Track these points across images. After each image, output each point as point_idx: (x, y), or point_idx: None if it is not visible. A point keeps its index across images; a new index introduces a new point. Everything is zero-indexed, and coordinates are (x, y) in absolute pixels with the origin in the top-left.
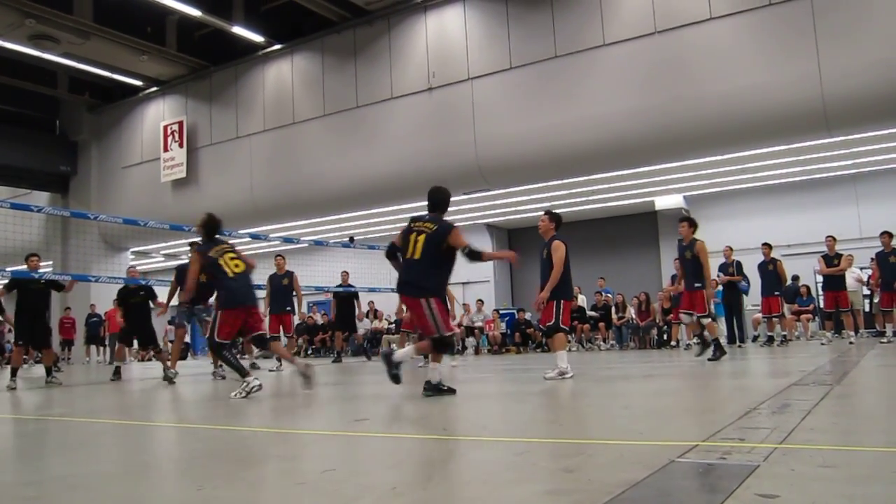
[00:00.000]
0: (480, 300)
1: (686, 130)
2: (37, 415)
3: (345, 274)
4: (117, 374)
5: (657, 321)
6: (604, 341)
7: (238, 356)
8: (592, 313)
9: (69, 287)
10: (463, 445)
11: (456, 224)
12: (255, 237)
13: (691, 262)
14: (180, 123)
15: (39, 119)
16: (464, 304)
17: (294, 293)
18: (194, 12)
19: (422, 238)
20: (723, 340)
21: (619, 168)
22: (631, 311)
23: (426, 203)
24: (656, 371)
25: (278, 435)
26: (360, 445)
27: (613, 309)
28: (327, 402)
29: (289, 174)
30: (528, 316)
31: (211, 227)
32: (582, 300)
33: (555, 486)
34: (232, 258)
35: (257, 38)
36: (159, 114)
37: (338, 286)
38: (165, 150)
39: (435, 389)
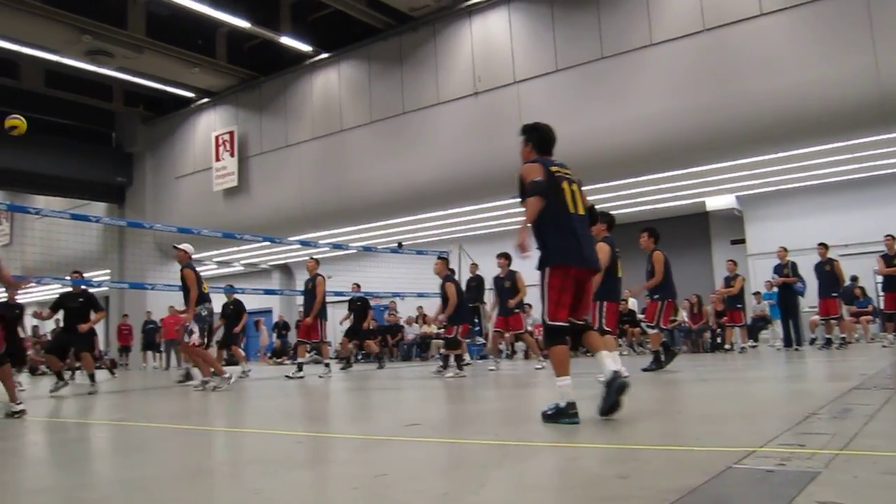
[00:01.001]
0: (529, 304)
1: (737, 129)
2: (95, 419)
3: (355, 286)
4: (187, 377)
5: (710, 324)
6: None
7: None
8: (642, 317)
9: (96, 318)
10: (515, 451)
11: (501, 229)
12: (304, 244)
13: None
14: (231, 133)
15: (96, 132)
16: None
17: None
18: (243, 24)
19: (576, 189)
20: (779, 344)
21: (668, 169)
22: (683, 314)
23: (541, 142)
24: (710, 375)
25: (331, 439)
26: (411, 450)
27: None
28: (377, 407)
29: (337, 181)
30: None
31: None
32: (633, 303)
33: (608, 492)
34: None
35: (305, 47)
36: (211, 124)
37: (352, 294)
38: (217, 159)
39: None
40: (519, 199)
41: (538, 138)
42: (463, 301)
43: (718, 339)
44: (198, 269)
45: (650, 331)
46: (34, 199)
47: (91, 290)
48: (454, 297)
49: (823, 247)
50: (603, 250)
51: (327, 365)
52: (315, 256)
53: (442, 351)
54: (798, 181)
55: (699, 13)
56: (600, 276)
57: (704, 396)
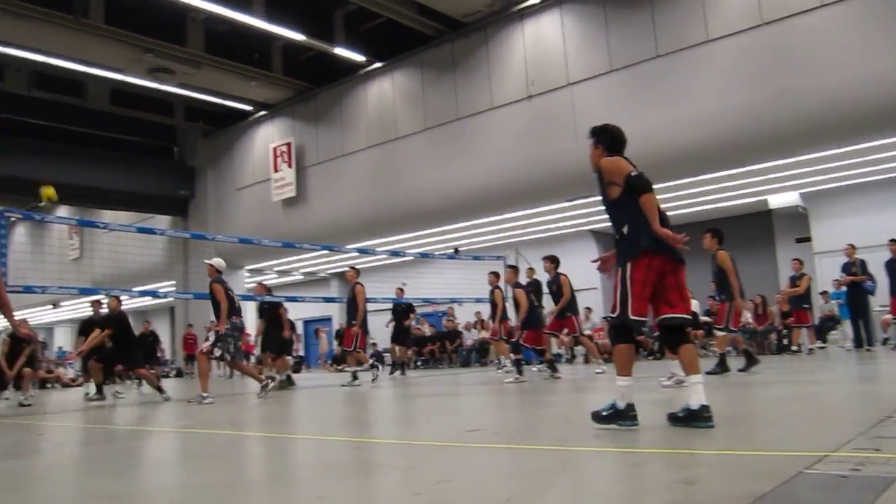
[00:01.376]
0: (588, 308)
1: (799, 124)
2: (162, 427)
3: (399, 291)
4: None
5: (776, 325)
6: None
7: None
8: (706, 318)
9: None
10: (577, 456)
11: (557, 232)
12: (362, 252)
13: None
14: (288, 144)
15: (159, 147)
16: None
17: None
18: (298, 37)
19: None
20: (849, 345)
21: (728, 167)
22: (747, 315)
23: (612, 143)
24: (777, 377)
25: (392, 445)
26: (473, 456)
27: None
28: (437, 412)
29: (393, 188)
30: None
31: None
32: (695, 305)
33: (675, 498)
34: None
35: (358, 57)
36: (269, 136)
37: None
38: (275, 170)
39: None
40: (600, 199)
41: (609, 139)
42: (533, 306)
43: (785, 341)
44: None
45: (718, 333)
46: (102, 214)
47: (157, 300)
48: (525, 303)
49: (894, 243)
50: (726, 258)
51: (355, 375)
52: (356, 266)
53: (512, 356)
54: (865, 176)
55: (756, 7)
56: (734, 281)
57: (771, 399)
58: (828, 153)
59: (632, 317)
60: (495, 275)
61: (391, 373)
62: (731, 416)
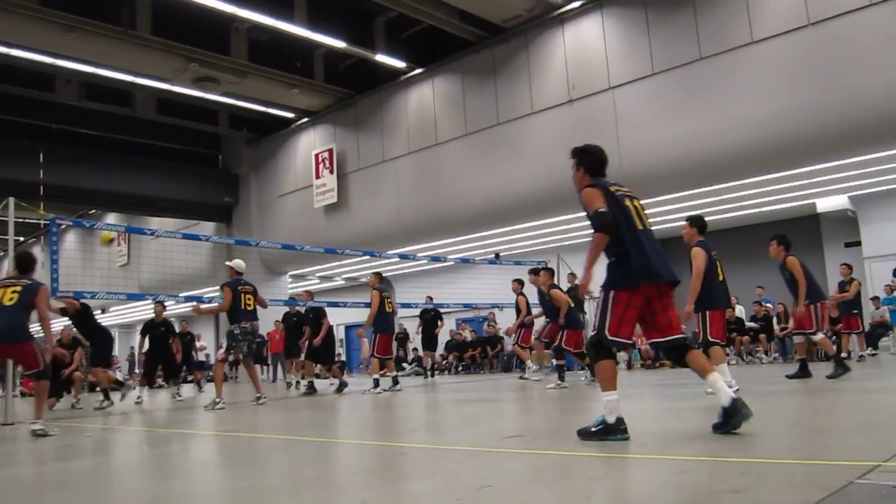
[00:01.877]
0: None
1: (848, 126)
2: (207, 431)
3: (429, 298)
4: (311, 388)
5: (824, 331)
6: (766, 354)
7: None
8: (752, 324)
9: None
10: (620, 463)
11: None
12: (403, 257)
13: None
14: (330, 151)
15: (204, 155)
16: None
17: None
18: (339, 45)
19: (638, 204)
20: None
21: (774, 170)
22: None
23: (594, 164)
24: (826, 385)
25: (433, 451)
26: (514, 462)
27: (775, 319)
28: (477, 418)
29: (433, 194)
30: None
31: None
32: (740, 311)
33: None
34: None
35: (399, 64)
36: (311, 143)
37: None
38: (317, 177)
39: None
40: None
41: (591, 160)
42: (572, 308)
43: (834, 347)
44: (245, 286)
45: (814, 337)
46: (148, 221)
47: (202, 305)
48: (565, 298)
49: None
50: (698, 256)
51: (377, 382)
52: (378, 271)
53: (554, 362)
54: None
55: (803, 7)
56: (698, 281)
57: (821, 407)
58: (877, 155)
59: (609, 336)
60: (519, 282)
61: (425, 378)
62: (780, 425)
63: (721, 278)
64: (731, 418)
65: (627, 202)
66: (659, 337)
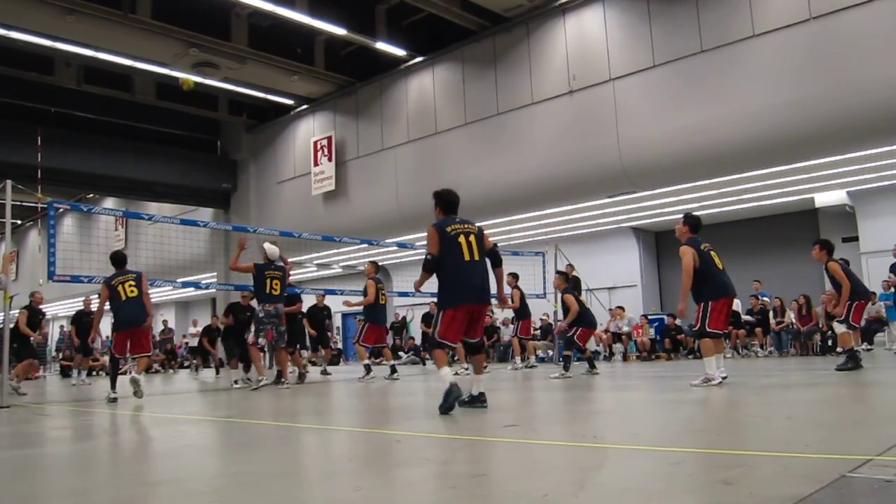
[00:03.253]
0: (621, 307)
1: (848, 121)
2: (204, 417)
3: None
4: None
5: (820, 326)
6: (761, 347)
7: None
8: (748, 318)
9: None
10: (614, 454)
11: (598, 229)
12: (401, 246)
13: None
14: (329, 138)
15: (203, 141)
16: (610, 310)
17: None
18: (340, 31)
19: (473, 239)
20: None
21: (773, 164)
22: (791, 316)
23: (445, 205)
24: (821, 379)
25: (429, 439)
26: (510, 451)
27: (771, 313)
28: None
29: (433, 183)
30: (678, 321)
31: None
32: (737, 304)
33: (713, 498)
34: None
35: (400, 52)
36: (310, 130)
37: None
38: (316, 164)
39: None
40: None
41: (443, 202)
42: (584, 307)
43: (829, 342)
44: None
45: (839, 327)
46: (147, 206)
47: (199, 291)
48: (575, 306)
49: None
50: (686, 254)
51: (368, 368)
52: (375, 260)
53: (564, 353)
54: None
55: (805, 1)
56: (688, 279)
57: (816, 401)
58: (876, 150)
59: (438, 339)
60: (514, 276)
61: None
62: (775, 418)
63: (721, 267)
64: (472, 402)
65: (461, 238)
66: (469, 337)
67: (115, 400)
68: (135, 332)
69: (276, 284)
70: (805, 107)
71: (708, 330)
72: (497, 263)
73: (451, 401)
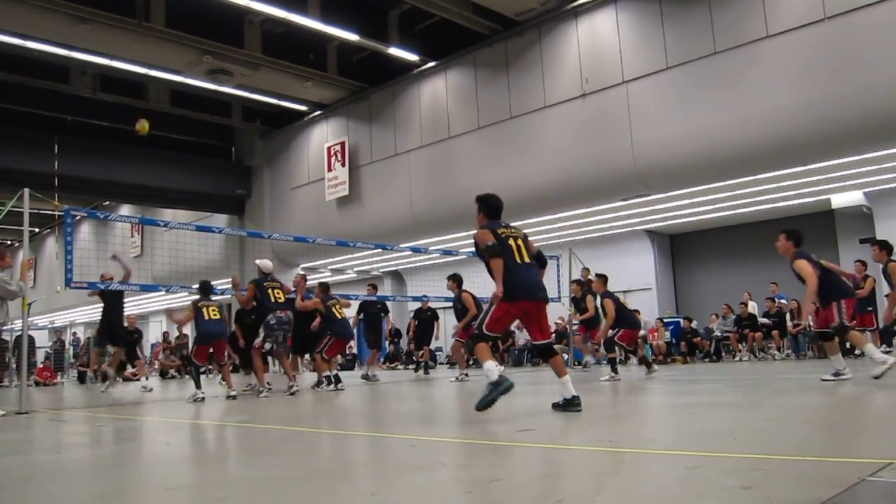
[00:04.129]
0: (636, 310)
1: (864, 121)
2: (221, 421)
3: (425, 302)
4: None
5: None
6: (778, 350)
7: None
8: (765, 321)
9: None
10: (631, 458)
11: (612, 232)
12: (415, 250)
13: None
14: (342, 144)
15: (217, 147)
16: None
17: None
18: (352, 37)
19: (521, 242)
20: None
21: (789, 166)
22: (809, 318)
23: (489, 210)
24: (839, 382)
25: (444, 444)
26: (526, 455)
27: (788, 316)
28: (490, 412)
29: (446, 187)
30: (694, 324)
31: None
32: (753, 307)
33: (731, 503)
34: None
35: (412, 57)
36: (323, 136)
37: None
38: (329, 170)
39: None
40: (478, 256)
41: (487, 206)
42: (626, 310)
43: (847, 345)
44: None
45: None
46: (162, 213)
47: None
48: (612, 312)
49: None
50: (804, 267)
51: (329, 379)
52: (323, 282)
53: (609, 356)
54: None
55: (819, 0)
56: (814, 286)
57: (834, 404)
58: (893, 151)
59: (486, 331)
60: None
61: (426, 372)
62: (793, 421)
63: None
64: (567, 406)
65: (511, 241)
66: (541, 339)
67: (202, 399)
68: (216, 344)
69: (279, 293)
70: (820, 107)
71: (846, 324)
72: (542, 265)
73: (495, 394)
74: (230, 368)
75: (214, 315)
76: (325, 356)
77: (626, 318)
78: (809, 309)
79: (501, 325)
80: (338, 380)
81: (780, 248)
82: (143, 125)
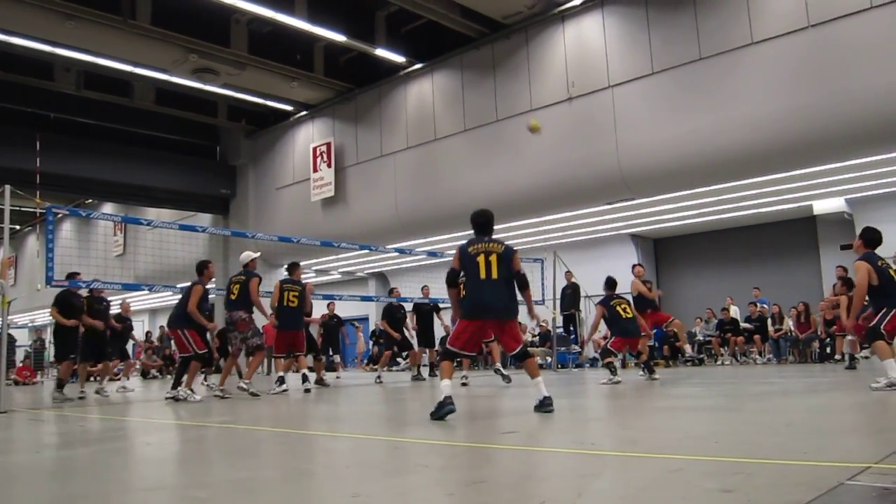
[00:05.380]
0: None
1: (846, 128)
2: (204, 422)
3: (426, 288)
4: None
5: (818, 333)
6: (760, 355)
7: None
8: (747, 325)
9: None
10: (613, 461)
11: (596, 236)
12: (400, 252)
13: None
14: (328, 144)
15: (202, 146)
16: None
17: None
18: (339, 38)
19: (494, 258)
20: None
21: (772, 171)
22: (789, 323)
23: (474, 227)
24: (820, 386)
25: (428, 445)
26: (509, 458)
27: (770, 320)
28: (475, 414)
29: (431, 189)
30: (704, 324)
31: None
32: (735, 311)
33: None
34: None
35: (399, 58)
36: (309, 136)
37: (420, 299)
38: (315, 170)
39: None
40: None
41: (472, 224)
42: (620, 317)
43: (828, 349)
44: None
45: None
46: (145, 212)
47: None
48: (595, 319)
49: None
50: (860, 269)
51: (281, 379)
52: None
53: (606, 361)
54: None
55: (803, 8)
56: (861, 297)
57: (814, 408)
58: (875, 158)
59: (448, 346)
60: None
61: (413, 378)
62: (775, 425)
63: None
64: (540, 407)
65: (480, 258)
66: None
67: (285, 391)
68: (296, 335)
69: (235, 289)
70: (803, 114)
71: (882, 330)
72: (522, 286)
73: (442, 413)
74: (213, 369)
75: (293, 303)
76: (274, 353)
77: (617, 325)
78: (854, 312)
79: (462, 342)
80: (304, 378)
81: (855, 246)
82: (536, 125)
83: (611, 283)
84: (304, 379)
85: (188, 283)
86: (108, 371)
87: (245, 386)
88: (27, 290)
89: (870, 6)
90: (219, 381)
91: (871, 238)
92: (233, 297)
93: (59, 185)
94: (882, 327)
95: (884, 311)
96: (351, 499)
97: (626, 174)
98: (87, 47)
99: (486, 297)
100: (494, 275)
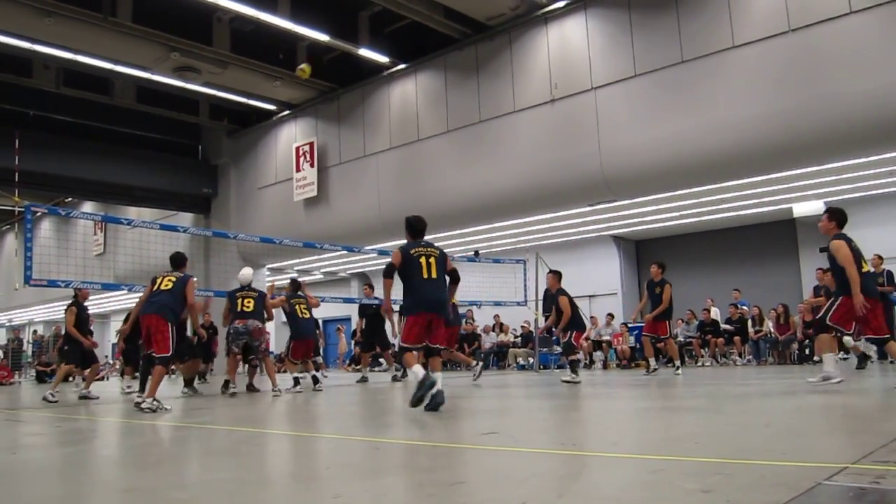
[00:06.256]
0: (610, 314)
1: (825, 132)
2: (183, 423)
3: (367, 289)
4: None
5: (797, 335)
6: (739, 356)
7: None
8: (727, 326)
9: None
10: (593, 461)
11: (578, 237)
12: (382, 253)
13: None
14: (311, 144)
15: (183, 145)
16: (591, 318)
17: None
18: (323, 37)
19: (433, 260)
20: (873, 356)
21: (752, 174)
22: (769, 325)
23: (412, 231)
24: (798, 388)
25: (409, 446)
26: (489, 458)
27: (750, 322)
28: (455, 415)
29: (414, 190)
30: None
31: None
32: (715, 313)
33: None
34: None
35: (382, 59)
36: (291, 136)
37: (364, 300)
38: (297, 170)
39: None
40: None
41: (410, 229)
42: (577, 311)
43: (807, 351)
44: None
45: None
46: (126, 211)
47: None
48: (568, 308)
49: None
50: (841, 248)
51: (296, 380)
52: (294, 278)
53: (562, 359)
54: (892, 185)
55: (784, 13)
56: (853, 269)
57: (792, 409)
58: (854, 162)
59: (402, 343)
60: (557, 274)
61: (359, 381)
62: (752, 426)
63: (865, 269)
64: (419, 388)
65: (422, 259)
66: (430, 343)
67: (300, 391)
68: (309, 343)
69: (249, 302)
70: (783, 118)
71: (827, 322)
72: (455, 281)
73: (423, 391)
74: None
75: (166, 287)
76: (292, 359)
77: (577, 320)
78: (858, 300)
79: (414, 336)
80: (315, 381)
81: (821, 227)
82: (305, 69)
83: (559, 276)
84: (316, 381)
85: (178, 274)
86: (94, 374)
87: (277, 392)
88: (5, 290)
89: (849, 11)
90: (271, 384)
91: (843, 219)
92: (247, 309)
93: (39, 183)
94: (828, 318)
95: (833, 300)
96: (332, 500)
97: (609, 176)
98: (66, 44)
99: (430, 293)
100: (434, 274)
